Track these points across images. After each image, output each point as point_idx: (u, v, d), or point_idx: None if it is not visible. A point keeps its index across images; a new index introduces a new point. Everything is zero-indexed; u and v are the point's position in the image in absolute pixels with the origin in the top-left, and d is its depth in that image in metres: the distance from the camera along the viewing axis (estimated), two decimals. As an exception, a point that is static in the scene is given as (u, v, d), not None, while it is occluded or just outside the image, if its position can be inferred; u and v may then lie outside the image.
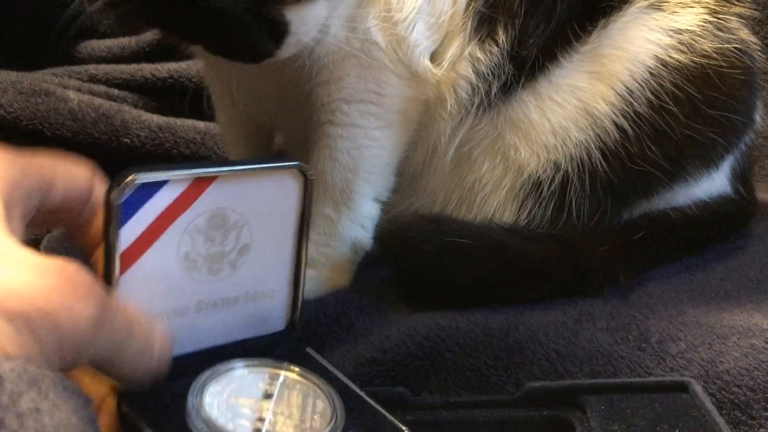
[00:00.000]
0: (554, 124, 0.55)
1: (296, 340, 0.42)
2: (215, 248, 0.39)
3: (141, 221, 0.35)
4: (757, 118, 0.62)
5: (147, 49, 0.85)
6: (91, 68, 0.77)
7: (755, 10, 0.60)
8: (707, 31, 0.55)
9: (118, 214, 0.34)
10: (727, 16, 0.56)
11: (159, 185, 0.35)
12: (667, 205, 0.58)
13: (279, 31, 0.45)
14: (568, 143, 0.55)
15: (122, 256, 0.35)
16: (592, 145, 0.54)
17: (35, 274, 0.30)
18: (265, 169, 0.39)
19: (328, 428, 0.36)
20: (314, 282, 0.53)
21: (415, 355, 0.44)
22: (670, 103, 0.53)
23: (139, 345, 0.34)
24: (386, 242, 0.55)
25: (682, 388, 0.38)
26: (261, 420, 0.35)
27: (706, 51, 0.54)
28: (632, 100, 0.53)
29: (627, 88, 0.54)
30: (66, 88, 0.77)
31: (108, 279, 0.35)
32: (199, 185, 0.36)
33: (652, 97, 0.53)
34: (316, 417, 0.37)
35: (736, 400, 0.40)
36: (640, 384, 0.39)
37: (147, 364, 0.34)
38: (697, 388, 0.38)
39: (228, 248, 0.39)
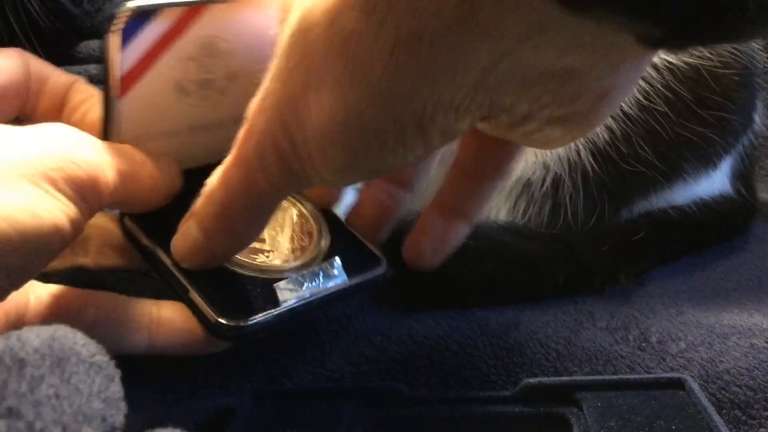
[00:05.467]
0: None
1: None
2: (205, 75, 0.41)
3: (137, 48, 0.38)
4: (757, 118, 0.62)
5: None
6: (92, 68, 0.77)
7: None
8: None
9: (118, 40, 0.37)
10: None
11: (153, 12, 0.37)
12: (667, 203, 0.58)
13: None
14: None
15: (121, 80, 0.38)
16: (581, 146, 0.54)
17: (66, 142, 0.33)
18: None
19: (316, 250, 0.40)
20: None
21: (416, 354, 0.44)
22: (661, 104, 0.53)
23: (147, 181, 0.37)
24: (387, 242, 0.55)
25: (679, 384, 0.38)
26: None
27: (699, 52, 0.54)
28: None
29: None
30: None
31: (106, 123, 0.38)
32: (191, 14, 0.39)
33: (641, 98, 0.53)
34: (304, 237, 0.41)
35: (736, 400, 0.40)
36: (636, 381, 0.39)
37: (155, 196, 0.38)
38: (694, 385, 0.38)
39: (217, 75, 0.41)
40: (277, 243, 0.41)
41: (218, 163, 0.40)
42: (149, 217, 0.39)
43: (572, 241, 0.54)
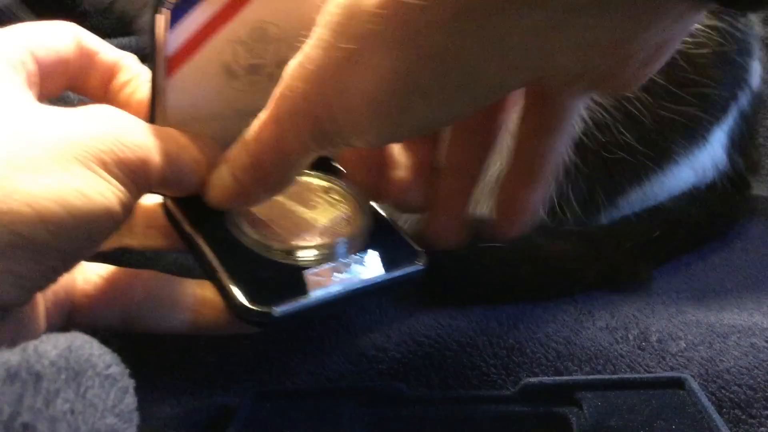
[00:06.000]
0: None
1: (326, 156, 0.43)
2: (255, 60, 0.40)
3: (186, 29, 0.37)
4: (754, 81, 0.61)
5: (147, 49, 0.85)
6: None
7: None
8: None
9: (167, 19, 0.36)
10: None
11: None
12: (665, 191, 0.58)
13: None
14: None
15: (168, 60, 0.37)
16: None
17: (114, 122, 0.33)
18: None
19: (354, 239, 0.39)
20: None
21: (416, 353, 0.44)
22: (635, 90, 0.53)
23: (191, 165, 0.37)
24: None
25: (679, 384, 0.38)
26: (290, 218, 0.40)
27: None
28: None
29: None
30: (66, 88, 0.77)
31: (152, 104, 0.38)
32: None
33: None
34: (342, 225, 0.40)
35: (737, 399, 0.40)
36: (636, 380, 0.39)
37: (199, 180, 0.37)
38: (694, 384, 0.38)
39: (267, 61, 0.41)
40: (314, 228, 0.40)
41: None
42: (190, 201, 0.39)
43: (597, 239, 0.55)
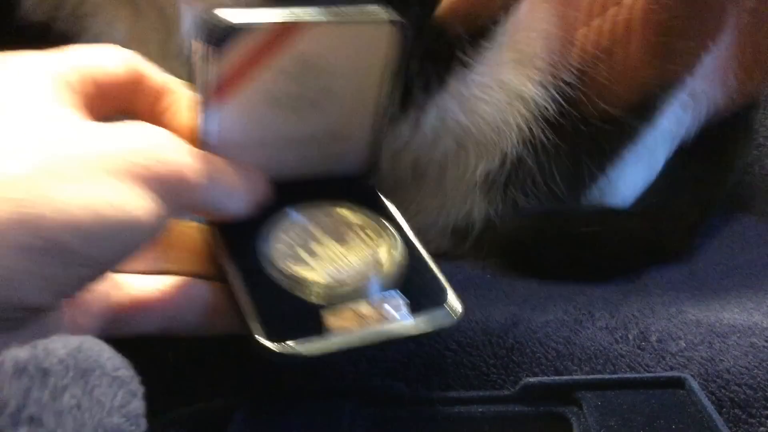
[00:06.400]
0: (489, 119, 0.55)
1: (371, 185, 0.46)
2: (300, 90, 0.41)
3: (232, 59, 0.38)
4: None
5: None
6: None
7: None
8: None
9: (214, 49, 0.37)
10: None
11: (250, 27, 0.37)
12: (657, 140, 0.60)
13: None
14: (511, 131, 0.55)
15: (213, 88, 0.38)
16: (532, 123, 0.55)
17: (143, 137, 0.34)
18: (353, 14, 0.40)
19: (383, 276, 0.39)
20: None
21: (415, 353, 0.44)
22: (601, 56, 0.53)
23: (229, 190, 0.38)
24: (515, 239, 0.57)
25: (679, 383, 0.39)
26: (321, 255, 0.40)
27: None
28: (557, 72, 0.53)
29: (549, 63, 0.53)
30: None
31: (196, 128, 0.39)
32: (289, 30, 0.38)
33: (576, 65, 0.53)
34: (373, 261, 0.40)
35: (736, 399, 0.40)
36: (636, 380, 0.39)
37: (236, 205, 0.39)
38: (694, 384, 0.38)
39: (311, 90, 0.41)
40: (343, 266, 0.40)
41: (311, 176, 0.43)
42: (228, 228, 0.40)
43: (668, 218, 0.58)
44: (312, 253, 0.40)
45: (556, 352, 0.44)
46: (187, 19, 0.47)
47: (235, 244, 0.39)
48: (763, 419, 0.39)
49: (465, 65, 0.52)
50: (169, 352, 0.43)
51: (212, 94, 0.38)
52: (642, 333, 0.46)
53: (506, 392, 0.40)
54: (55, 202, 0.29)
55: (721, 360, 0.42)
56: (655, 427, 0.36)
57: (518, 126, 0.55)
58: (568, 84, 0.54)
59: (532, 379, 0.40)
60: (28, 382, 0.24)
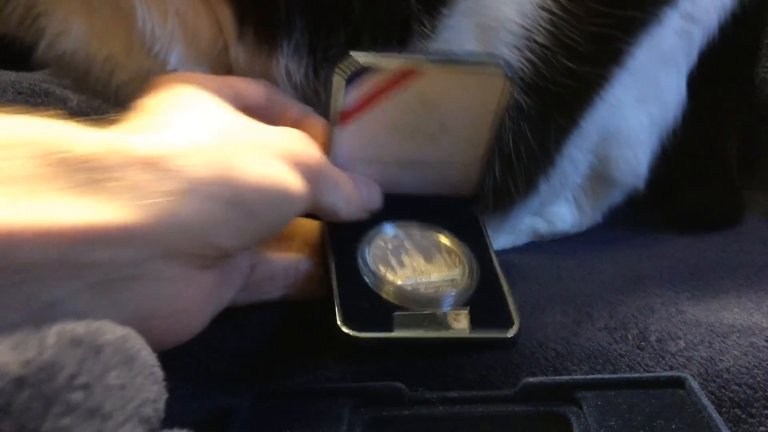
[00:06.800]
0: None
1: (474, 212, 0.53)
2: (418, 122, 0.48)
3: (358, 91, 0.46)
4: None
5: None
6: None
7: None
8: None
9: (343, 82, 0.45)
10: None
11: (375, 67, 0.45)
12: (628, 88, 0.60)
13: None
14: None
15: (343, 113, 0.47)
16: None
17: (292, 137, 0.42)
18: (467, 63, 0.47)
19: (455, 291, 0.46)
20: None
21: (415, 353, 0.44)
22: (575, 7, 0.53)
23: (345, 196, 0.46)
24: None
25: (679, 383, 0.38)
26: (407, 265, 0.47)
27: None
28: (530, 33, 0.53)
29: (522, 26, 0.53)
30: (66, 88, 0.77)
31: (328, 148, 0.47)
32: (409, 71, 0.46)
33: (548, 26, 0.53)
34: (449, 275, 0.47)
35: (736, 398, 0.40)
36: (636, 380, 0.39)
37: (349, 209, 0.47)
38: (694, 383, 0.38)
39: (429, 124, 0.48)
40: (422, 280, 0.47)
41: (420, 193, 0.51)
42: (339, 227, 0.47)
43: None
44: (400, 263, 0.47)
45: (556, 352, 0.44)
46: (142, 11, 0.47)
47: (339, 243, 0.47)
48: (763, 419, 0.39)
49: (423, 37, 0.51)
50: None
51: (343, 118, 0.46)
52: (641, 333, 0.46)
53: (506, 392, 0.40)
54: (243, 168, 0.36)
55: (720, 360, 0.42)
56: (655, 427, 0.36)
57: None
58: (541, 45, 0.53)
59: (532, 379, 0.40)
60: (82, 353, 0.26)
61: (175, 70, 0.50)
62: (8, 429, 0.23)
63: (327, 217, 0.47)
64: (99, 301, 0.31)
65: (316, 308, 0.48)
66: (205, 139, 0.36)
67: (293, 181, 0.39)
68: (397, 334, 0.43)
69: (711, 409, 0.36)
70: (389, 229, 0.49)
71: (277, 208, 0.38)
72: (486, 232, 0.51)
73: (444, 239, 0.49)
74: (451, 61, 0.47)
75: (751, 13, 0.65)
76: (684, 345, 0.44)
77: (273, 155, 0.39)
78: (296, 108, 0.49)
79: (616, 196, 0.68)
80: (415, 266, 0.47)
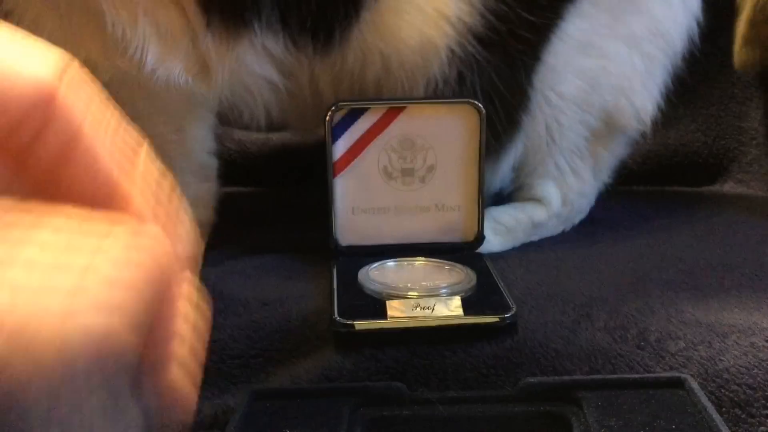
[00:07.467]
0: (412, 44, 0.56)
1: (478, 253, 0.55)
2: (407, 165, 0.52)
3: (349, 138, 0.50)
4: None
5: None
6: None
7: None
8: None
9: (332, 132, 0.50)
10: None
11: (362, 111, 0.50)
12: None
13: None
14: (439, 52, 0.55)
15: (335, 164, 0.51)
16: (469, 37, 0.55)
17: None
18: (444, 103, 0.52)
19: (448, 282, 0.48)
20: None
21: (414, 353, 0.44)
22: None
23: None
24: None
25: (679, 383, 0.39)
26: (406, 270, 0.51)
27: None
28: None
29: None
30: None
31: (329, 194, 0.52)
32: (392, 113, 0.51)
33: None
34: (439, 268, 0.51)
35: (736, 398, 0.40)
36: (636, 380, 0.39)
37: None
38: (694, 384, 0.38)
39: (417, 166, 0.52)
40: (418, 277, 0.50)
41: (423, 241, 0.54)
42: (348, 260, 0.52)
43: None
44: (399, 270, 0.51)
45: (556, 352, 0.44)
46: (111, 16, 0.47)
47: (343, 267, 0.51)
48: (762, 419, 0.39)
49: None
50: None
51: (336, 168, 0.50)
52: (641, 333, 0.46)
53: (506, 392, 0.40)
54: None
55: (720, 360, 0.42)
56: (655, 427, 0.36)
57: (449, 47, 0.54)
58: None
59: (532, 379, 0.40)
60: None
61: (154, 70, 0.50)
62: None
63: None
64: None
65: (316, 308, 0.49)
66: None
67: None
68: (391, 320, 0.44)
69: (711, 409, 0.36)
70: (391, 262, 0.52)
71: None
72: (490, 263, 0.53)
73: (446, 266, 0.51)
74: (429, 99, 0.52)
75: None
76: (684, 345, 0.44)
77: None
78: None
79: (618, 150, 0.68)
80: (413, 270, 0.51)
